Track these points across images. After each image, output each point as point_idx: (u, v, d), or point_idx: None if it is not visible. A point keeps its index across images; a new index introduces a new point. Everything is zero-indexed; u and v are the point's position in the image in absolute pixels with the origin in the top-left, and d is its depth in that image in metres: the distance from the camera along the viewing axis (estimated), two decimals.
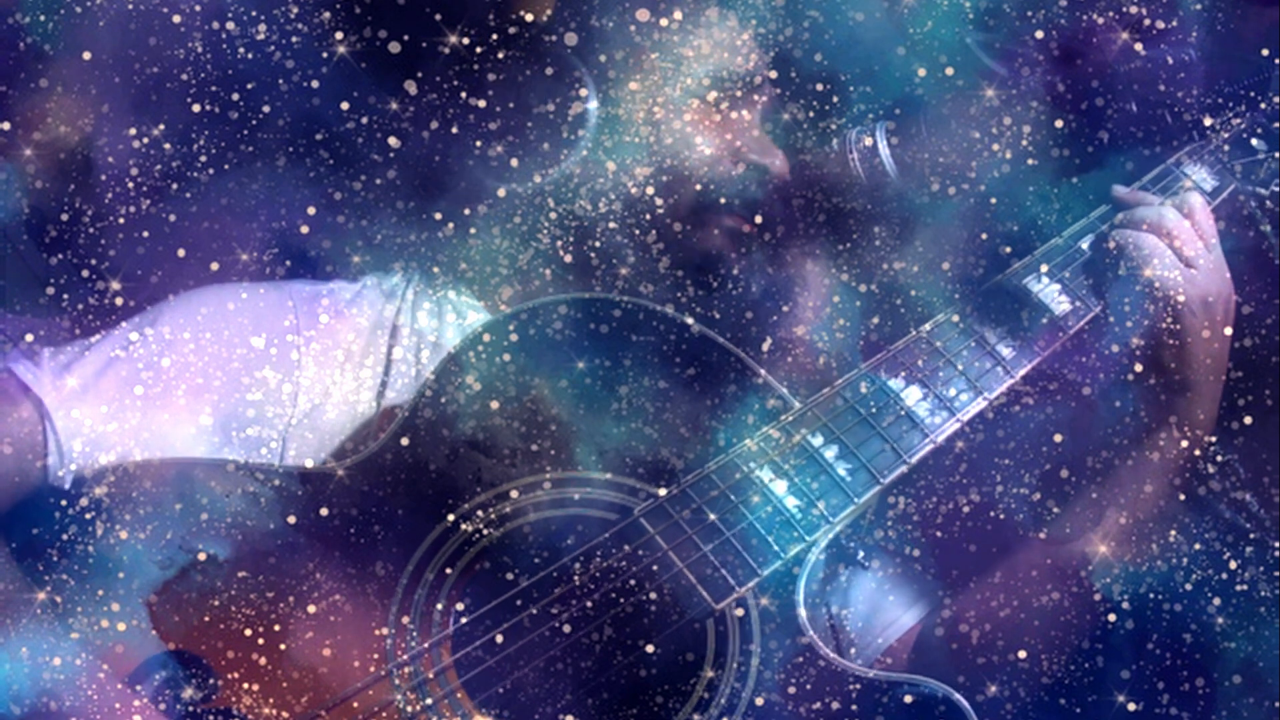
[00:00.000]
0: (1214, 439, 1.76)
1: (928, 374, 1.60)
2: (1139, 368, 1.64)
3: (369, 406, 1.68)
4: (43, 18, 1.86)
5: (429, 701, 1.41)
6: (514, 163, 1.70)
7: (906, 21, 1.87)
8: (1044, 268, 1.69)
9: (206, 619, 1.41)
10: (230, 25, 1.79)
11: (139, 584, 1.42)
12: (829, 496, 1.51)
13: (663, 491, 1.51)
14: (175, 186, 1.87)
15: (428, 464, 1.51)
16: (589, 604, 1.45)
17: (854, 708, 1.42)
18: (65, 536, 1.43)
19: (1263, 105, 1.80)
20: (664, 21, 1.71)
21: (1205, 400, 1.66)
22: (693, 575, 1.46)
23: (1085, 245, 1.71)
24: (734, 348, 1.57)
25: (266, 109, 1.82)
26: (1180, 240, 1.63)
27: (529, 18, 1.71)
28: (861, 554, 1.62)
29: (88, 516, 1.44)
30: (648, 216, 1.71)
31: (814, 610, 1.70)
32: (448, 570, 1.48)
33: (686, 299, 1.71)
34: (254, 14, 1.79)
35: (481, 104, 1.70)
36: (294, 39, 1.80)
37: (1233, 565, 1.79)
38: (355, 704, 1.37)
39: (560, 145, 1.69)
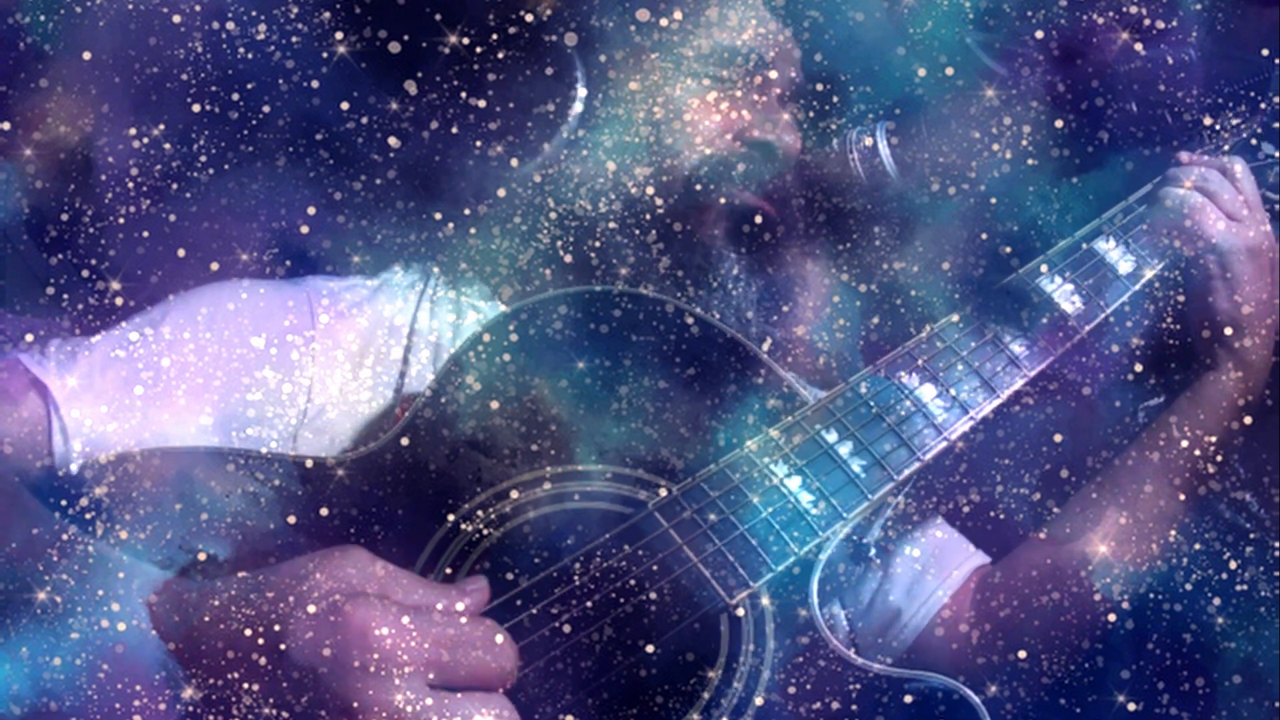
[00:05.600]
0: (1214, 439, 1.77)
1: (941, 372, 1.61)
2: (1197, 327, 1.75)
3: (370, 407, 1.67)
4: (43, 18, 1.86)
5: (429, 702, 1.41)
6: (512, 162, 1.69)
7: (906, 21, 1.87)
8: (1057, 266, 1.70)
9: (207, 619, 1.41)
10: (230, 25, 1.79)
11: (139, 584, 1.41)
12: (842, 492, 1.51)
13: (675, 487, 1.50)
14: (175, 186, 1.87)
15: (428, 464, 1.51)
16: (599, 599, 1.44)
17: (867, 704, 1.42)
18: (66, 536, 1.42)
19: (1263, 105, 1.81)
20: (663, 22, 1.71)
21: (1261, 348, 1.77)
22: (706, 570, 1.45)
23: (1098, 245, 1.73)
24: (748, 342, 1.57)
25: (266, 109, 1.82)
26: (1224, 197, 1.75)
27: (529, 18, 1.70)
28: (873, 552, 1.61)
29: (88, 516, 1.44)
30: (648, 216, 1.71)
31: (831, 609, 1.70)
32: (449, 571, 1.48)
33: (686, 299, 1.71)
34: (254, 14, 1.79)
35: (481, 103, 1.70)
36: (294, 39, 1.80)
37: (1233, 565, 1.79)
38: (355, 704, 1.37)
39: (548, 132, 1.68)
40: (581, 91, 1.69)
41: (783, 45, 1.78)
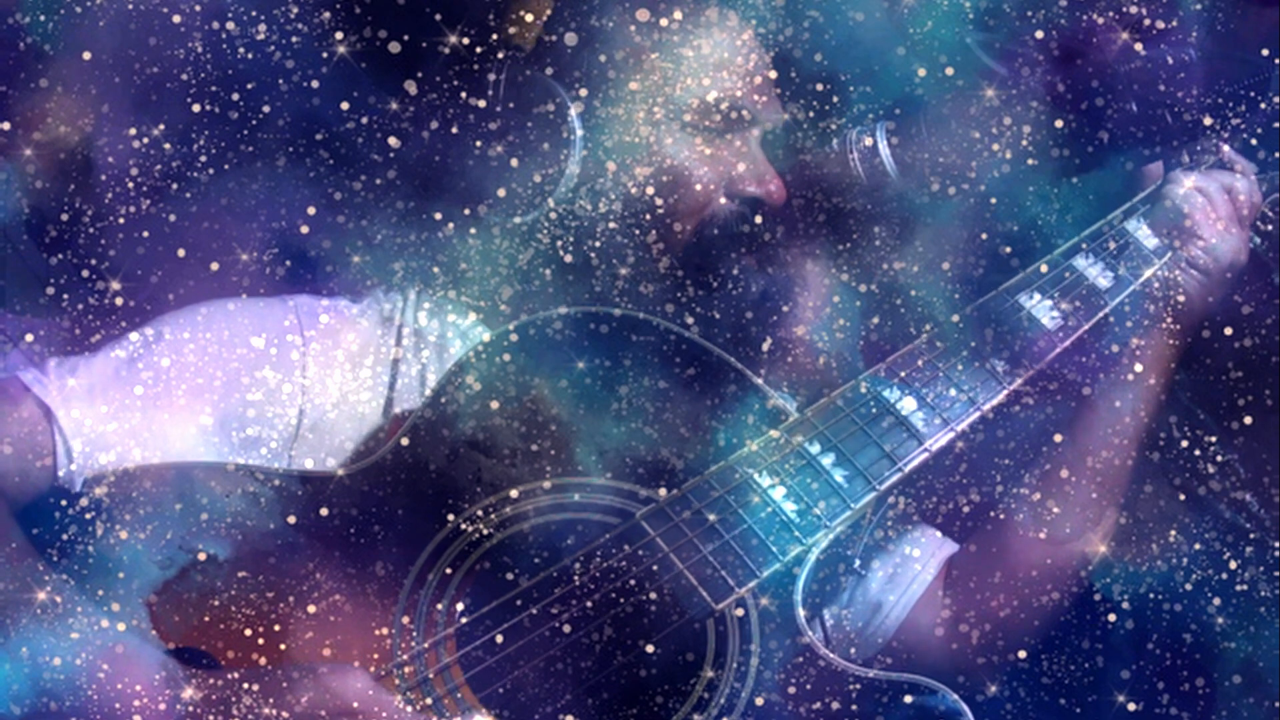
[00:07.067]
0: (1214, 439, 1.77)
1: (923, 384, 1.64)
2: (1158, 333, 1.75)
3: (369, 407, 1.68)
4: (43, 18, 1.86)
5: (429, 701, 1.42)
6: (514, 164, 1.70)
7: (906, 21, 1.87)
8: (1036, 284, 1.72)
9: (206, 619, 1.42)
10: (230, 25, 1.79)
11: (139, 584, 1.42)
12: (826, 501, 1.54)
13: (663, 494, 1.52)
14: (175, 186, 1.87)
15: (429, 466, 1.52)
16: (589, 604, 1.45)
17: (853, 708, 1.43)
18: (65, 536, 1.43)
19: (1262, 105, 1.81)
20: (663, 22, 1.71)
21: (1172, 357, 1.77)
22: (693, 576, 1.47)
23: (1077, 262, 1.75)
24: (730, 356, 1.59)
25: (266, 109, 1.82)
26: (1221, 206, 1.77)
27: (529, 18, 1.70)
28: (858, 562, 1.65)
29: (88, 516, 1.44)
30: (648, 216, 1.71)
31: (813, 611, 1.71)
32: (449, 571, 1.48)
33: (686, 299, 1.71)
34: (254, 14, 1.79)
35: (481, 104, 1.70)
36: (294, 39, 1.80)
37: (1233, 565, 1.80)
38: (356, 703, 1.37)
39: (547, 174, 1.69)
40: (579, 133, 1.69)
41: (764, 89, 1.76)
